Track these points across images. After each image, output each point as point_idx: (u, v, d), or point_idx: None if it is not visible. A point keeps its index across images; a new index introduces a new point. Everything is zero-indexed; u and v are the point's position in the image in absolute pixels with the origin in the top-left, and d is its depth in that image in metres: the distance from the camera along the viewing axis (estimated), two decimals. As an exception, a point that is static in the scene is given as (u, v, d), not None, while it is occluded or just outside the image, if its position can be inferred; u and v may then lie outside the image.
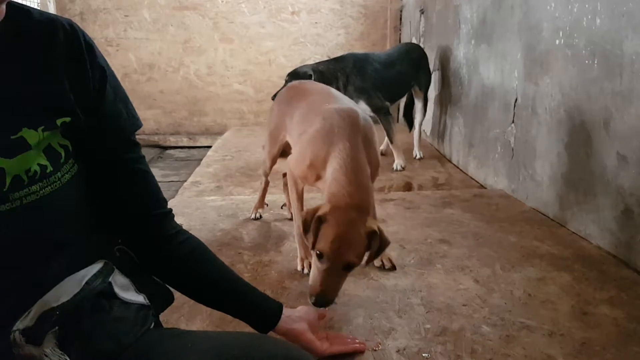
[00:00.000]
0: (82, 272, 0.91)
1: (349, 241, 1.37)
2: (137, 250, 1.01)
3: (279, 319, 1.11)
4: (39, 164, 0.82)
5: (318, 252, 1.38)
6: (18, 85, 0.81)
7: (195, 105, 5.38)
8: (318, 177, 1.60)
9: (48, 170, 0.83)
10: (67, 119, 0.85)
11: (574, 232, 2.08)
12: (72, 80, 0.86)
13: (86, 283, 0.88)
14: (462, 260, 1.83)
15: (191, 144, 5.35)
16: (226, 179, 3.32)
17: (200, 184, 3.22)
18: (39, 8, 4.18)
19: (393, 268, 1.77)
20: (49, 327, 0.83)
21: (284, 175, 2.36)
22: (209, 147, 4.63)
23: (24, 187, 0.80)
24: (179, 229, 1.04)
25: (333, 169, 1.51)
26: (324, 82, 3.01)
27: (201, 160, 4.06)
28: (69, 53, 0.86)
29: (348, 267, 1.39)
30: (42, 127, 0.82)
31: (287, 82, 3.16)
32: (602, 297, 1.57)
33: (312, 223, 1.41)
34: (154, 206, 1.00)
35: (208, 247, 1.08)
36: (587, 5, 1.94)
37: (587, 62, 1.95)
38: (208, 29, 5.21)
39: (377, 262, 1.76)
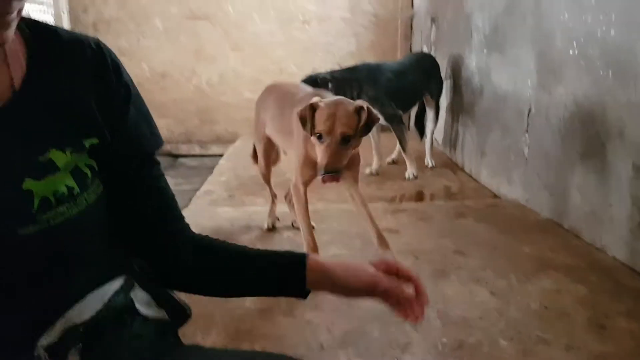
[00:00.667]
0: (105, 287, 0.92)
1: (340, 116, 1.63)
2: (156, 265, 1.01)
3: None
4: (66, 186, 0.81)
5: (317, 134, 1.65)
6: (46, 107, 0.81)
7: (206, 114, 5.41)
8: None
9: (75, 192, 0.83)
10: (95, 141, 0.85)
11: (589, 243, 2.06)
12: (98, 100, 0.86)
13: (109, 299, 0.89)
14: (477, 272, 1.83)
15: (203, 152, 5.38)
16: (238, 187, 3.33)
17: (212, 192, 3.23)
18: (53, 19, 4.18)
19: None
20: (73, 343, 0.84)
21: (286, 195, 2.40)
22: (220, 155, 4.65)
23: (52, 209, 0.80)
24: (196, 239, 1.00)
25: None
26: (338, 90, 3.06)
27: (212, 168, 4.09)
28: (96, 72, 0.87)
29: (345, 140, 1.64)
30: (70, 148, 0.82)
31: None
32: (618, 309, 1.56)
33: (307, 115, 1.66)
34: (170, 222, 0.99)
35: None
36: (601, 17, 1.93)
37: (601, 72, 1.94)
38: (219, 38, 5.24)
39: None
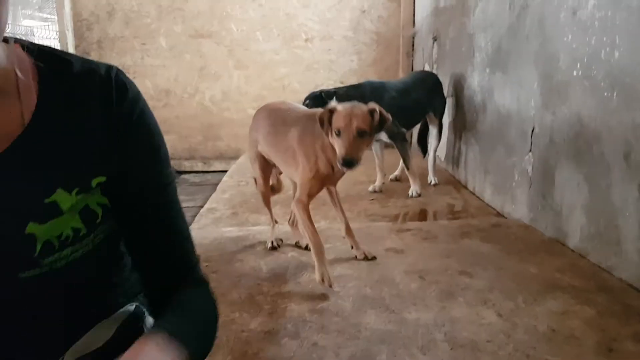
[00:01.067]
0: (115, 315, 0.91)
1: (356, 114, 1.85)
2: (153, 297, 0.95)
3: None
4: (72, 228, 0.79)
5: (336, 130, 1.85)
6: (54, 145, 0.78)
7: (210, 130, 5.44)
8: (327, 180, 2.06)
9: (81, 234, 0.80)
10: (103, 179, 0.82)
11: (595, 264, 2.06)
12: (105, 134, 0.83)
13: (119, 327, 0.89)
14: (484, 293, 1.82)
15: (205, 169, 5.40)
16: (241, 205, 3.33)
17: (216, 210, 3.23)
18: (57, 36, 4.17)
19: (374, 258, 2.18)
20: None
21: (289, 220, 2.42)
22: (223, 171, 4.66)
23: (55, 252, 0.78)
24: (198, 287, 0.94)
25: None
26: None
27: (216, 184, 4.09)
28: (104, 106, 0.83)
29: (362, 134, 1.85)
30: (77, 189, 0.79)
31: (307, 104, 3.21)
32: (627, 332, 1.55)
33: (325, 117, 1.87)
34: (175, 263, 0.93)
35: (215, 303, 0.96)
36: (605, 38, 1.95)
37: (606, 94, 1.95)
38: (223, 56, 5.29)
39: (359, 255, 2.19)
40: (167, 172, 0.91)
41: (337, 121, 1.85)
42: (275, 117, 2.22)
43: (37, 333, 0.83)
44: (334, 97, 3.23)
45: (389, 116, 1.92)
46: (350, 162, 1.83)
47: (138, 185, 0.87)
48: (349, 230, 2.24)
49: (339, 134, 1.85)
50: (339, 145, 1.86)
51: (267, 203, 2.41)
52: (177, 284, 0.91)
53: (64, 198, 0.77)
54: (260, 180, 2.36)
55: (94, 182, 0.81)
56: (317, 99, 3.28)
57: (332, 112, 1.88)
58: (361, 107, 1.88)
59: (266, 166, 2.32)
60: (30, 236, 0.75)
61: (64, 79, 0.81)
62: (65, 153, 0.79)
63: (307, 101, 3.32)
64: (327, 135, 1.90)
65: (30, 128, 0.76)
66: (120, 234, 0.89)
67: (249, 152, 2.41)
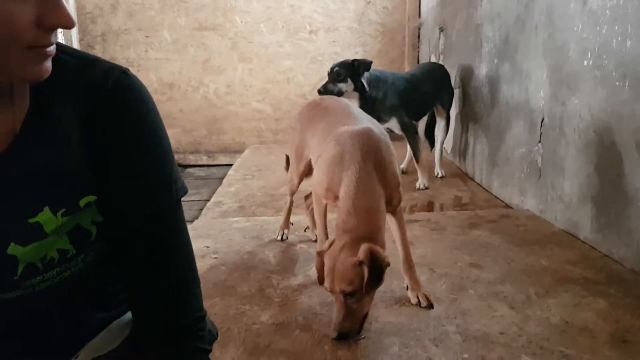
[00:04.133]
0: (128, 315, 0.90)
1: (337, 272, 1.44)
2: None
3: None
4: (58, 250, 0.73)
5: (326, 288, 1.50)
6: (41, 158, 0.71)
7: (214, 124, 5.42)
8: (336, 198, 1.64)
9: (69, 255, 0.74)
10: (92, 198, 0.74)
11: (606, 255, 2.04)
12: (95, 145, 0.74)
13: (132, 329, 0.87)
14: (495, 285, 1.81)
15: (210, 162, 5.38)
16: (248, 198, 3.33)
17: (223, 204, 3.23)
18: (62, 33, 4.11)
19: (430, 306, 1.67)
20: None
21: (306, 197, 2.38)
22: (228, 165, 4.65)
23: (39, 274, 0.72)
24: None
25: (341, 195, 1.57)
26: (371, 88, 3.22)
27: (221, 178, 4.09)
28: (92, 112, 0.73)
29: (350, 295, 1.44)
30: (64, 209, 0.72)
31: (336, 74, 3.20)
32: (640, 324, 1.54)
33: (318, 264, 1.54)
34: (170, 309, 0.82)
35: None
36: (616, 27, 1.92)
37: (617, 83, 1.93)
38: (227, 49, 5.26)
39: (413, 299, 1.71)
40: (168, 194, 0.81)
41: (325, 277, 1.50)
42: (330, 124, 1.83)
43: (29, 344, 0.81)
44: (364, 75, 3.20)
45: (382, 265, 1.44)
46: (343, 337, 1.46)
47: (133, 206, 0.78)
48: (408, 263, 1.76)
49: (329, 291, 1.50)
50: (334, 312, 1.51)
51: (292, 194, 2.30)
52: (169, 334, 0.81)
53: (48, 219, 0.70)
54: (295, 181, 2.18)
55: (82, 203, 0.73)
56: (349, 66, 3.21)
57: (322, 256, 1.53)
58: (346, 260, 1.43)
59: (309, 171, 2.09)
60: (11, 257, 0.69)
61: (57, 82, 0.71)
62: (52, 168, 0.71)
63: (336, 69, 3.22)
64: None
65: (18, 139, 0.69)
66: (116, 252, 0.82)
67: (294, 150, 2.15)
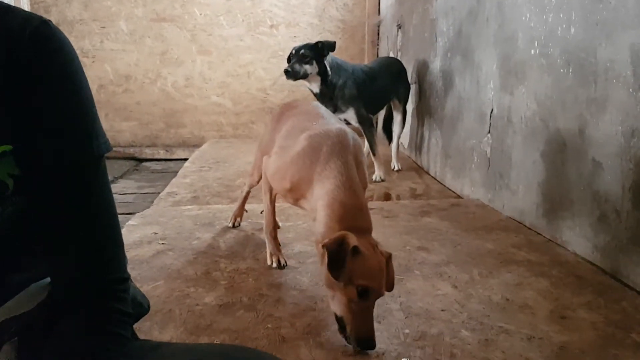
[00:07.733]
0: (47, 279, 0.86)
1: (384, 271, 1.30)
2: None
3: None
4: None
5: (360, 288, 1.24)
6: None
7: (172, 117, 5.33)
8: (300, 197, 1.59)
9: None
10: (7, 147, 0.72)
11: (550, 240, 2.09)
12: (14, 93, 0.72)
13: (49, 292, 0.83)
14: (440, 267, 1.83)
15: (168, 157, 5.28)
16: (203, 189, 3.27)
17: (176, 194, 3.17)
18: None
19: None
20: (8, 337, 0.79)
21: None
22: (186, 159, 4.57)
23: None
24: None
25: (328, 190, 1.47)
26: (332, 74, 3.24)
27: (177, 172, 4.01)
28: (10, 61, 0.72)
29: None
30: None
31: (299, 55, 3.20)
32: (579, 301, 1.58)
33: (342, 254, 1.25)
34: (88, 268, 0.80)
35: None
36: (561, 15, 1.97)
37: (562, 70, 1.98)
38: (186, 41, 5.19)
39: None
40: (89, 149, 0.78)
41: (368, 276, 1.26)
42: (298, 122, 1.82)
43: None
44: (328, 58, 3.21)
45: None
46: (372, 344, 1.27)
47: (49, 159, 0.76)
48: None
49: (362, 294, 1.25)
50: (354, 317, 1.27)
51: (248, 193, 2.32)
52: (87, 294, 0.79)
53: None
54: (255, 177, 2.16)
55: None
56: (314, 48, 3.21)
57: (354, 252, 1.26)
58: (381, 257, 1.32)
59: None
60: None
61: None
62: None
63: (302, 51, 3.21)
64: (344, 286, 1.27)
65: None
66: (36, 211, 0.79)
67: (261, 149, 2.11)
